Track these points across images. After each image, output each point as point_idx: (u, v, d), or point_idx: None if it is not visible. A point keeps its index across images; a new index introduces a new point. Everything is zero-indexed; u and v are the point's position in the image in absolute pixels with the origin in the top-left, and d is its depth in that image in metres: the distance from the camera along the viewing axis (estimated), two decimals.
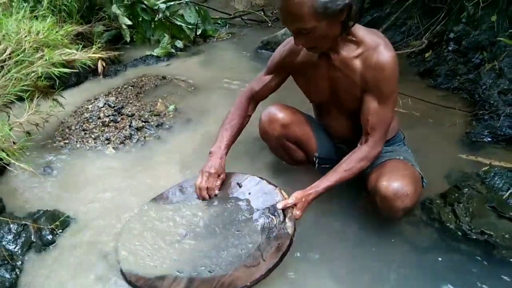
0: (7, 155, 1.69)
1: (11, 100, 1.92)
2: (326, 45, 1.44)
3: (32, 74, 1.82)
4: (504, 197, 1.65)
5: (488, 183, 1.74)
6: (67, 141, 2.33)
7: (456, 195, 1.69)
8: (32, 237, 1.65)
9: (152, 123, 2.51)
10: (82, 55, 1.93)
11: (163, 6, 3.73)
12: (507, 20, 2.53)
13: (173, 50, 3.66)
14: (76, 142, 2.33)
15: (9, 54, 1.80)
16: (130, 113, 2.56)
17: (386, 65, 1.41)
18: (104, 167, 2.14)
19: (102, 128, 2.43)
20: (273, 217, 1.48)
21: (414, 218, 1.69)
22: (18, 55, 1.87)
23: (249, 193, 1.63)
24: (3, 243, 1.60)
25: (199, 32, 3.97)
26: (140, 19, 3.77)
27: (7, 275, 1.48)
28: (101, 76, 3.22)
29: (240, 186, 1.68)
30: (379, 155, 1.57)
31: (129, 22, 3.67)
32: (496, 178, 1.74)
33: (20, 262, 1.56)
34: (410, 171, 1.58)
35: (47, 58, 1.79)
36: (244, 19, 4.68)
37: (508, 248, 1.46)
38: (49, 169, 2.09)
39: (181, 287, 1.33)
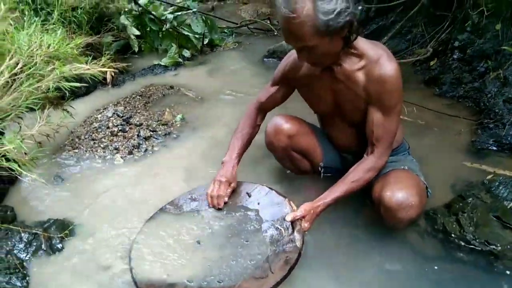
0: (19, 165, 1.72)
1: (22, 111, 1.96)
2: (329, 60, 1.46)
3: (43, 86, 1.87)
4: (508, 207, 1.64)
5: (493, 192, 1.73)
6: (76, 151, 2.37)
7: (461, 204, 1.68)
8: (43, 245, 1.68)
9: (160, 132, 2.54)
10: (92, 69, 1.97)
11: (170, 16, 3.80)
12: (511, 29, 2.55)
13: (180, 60, 3.70)
14: (86, 151, 2.37)
15: (21, 67, 1.84)
16: (138, 123, 2.60)
17: (389, 78, 1.42)
18: (113, 176, 2.18)
19: (111, 137, 2.47)
20: (282, 229, 1.49)
21: (419, 228, 1.69)
22: (30, 68, 1.91)
23: (258, 203, 1.65)
24: (15, 251, 1.64)
25: (206, 41, 4.01)
26: (148, 29, 3.83)
27: (18, 283, 1.51)
28: (109, 86, 3.25)
29: (249, 196, 1.70)
30: (385, 165, 1.59)
31: (137, 32, 3.74)
32: (500, 187, 1.74)
33: (30, 271, 1.59)
34: (414, 181, 1.59)
35: (57, 73, 1.83)
36: (250, 28, 4.71)
37: None
38: (59, 179, 2.13)
39: None
